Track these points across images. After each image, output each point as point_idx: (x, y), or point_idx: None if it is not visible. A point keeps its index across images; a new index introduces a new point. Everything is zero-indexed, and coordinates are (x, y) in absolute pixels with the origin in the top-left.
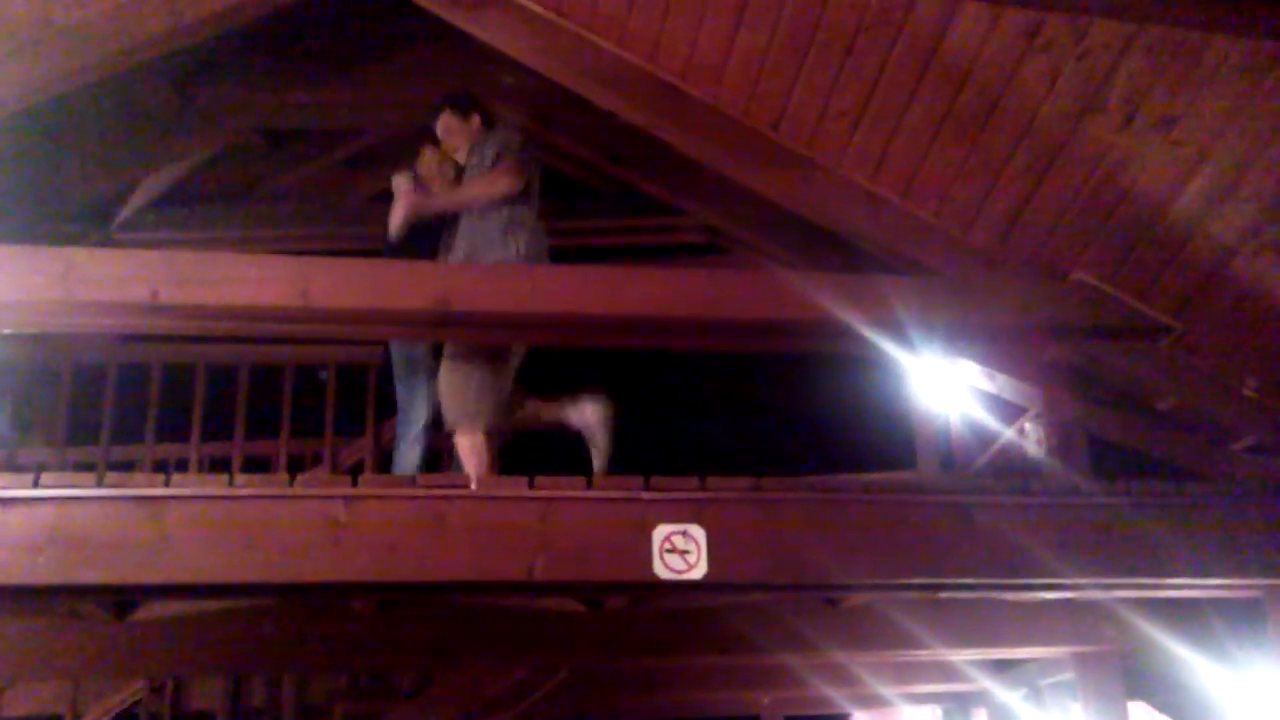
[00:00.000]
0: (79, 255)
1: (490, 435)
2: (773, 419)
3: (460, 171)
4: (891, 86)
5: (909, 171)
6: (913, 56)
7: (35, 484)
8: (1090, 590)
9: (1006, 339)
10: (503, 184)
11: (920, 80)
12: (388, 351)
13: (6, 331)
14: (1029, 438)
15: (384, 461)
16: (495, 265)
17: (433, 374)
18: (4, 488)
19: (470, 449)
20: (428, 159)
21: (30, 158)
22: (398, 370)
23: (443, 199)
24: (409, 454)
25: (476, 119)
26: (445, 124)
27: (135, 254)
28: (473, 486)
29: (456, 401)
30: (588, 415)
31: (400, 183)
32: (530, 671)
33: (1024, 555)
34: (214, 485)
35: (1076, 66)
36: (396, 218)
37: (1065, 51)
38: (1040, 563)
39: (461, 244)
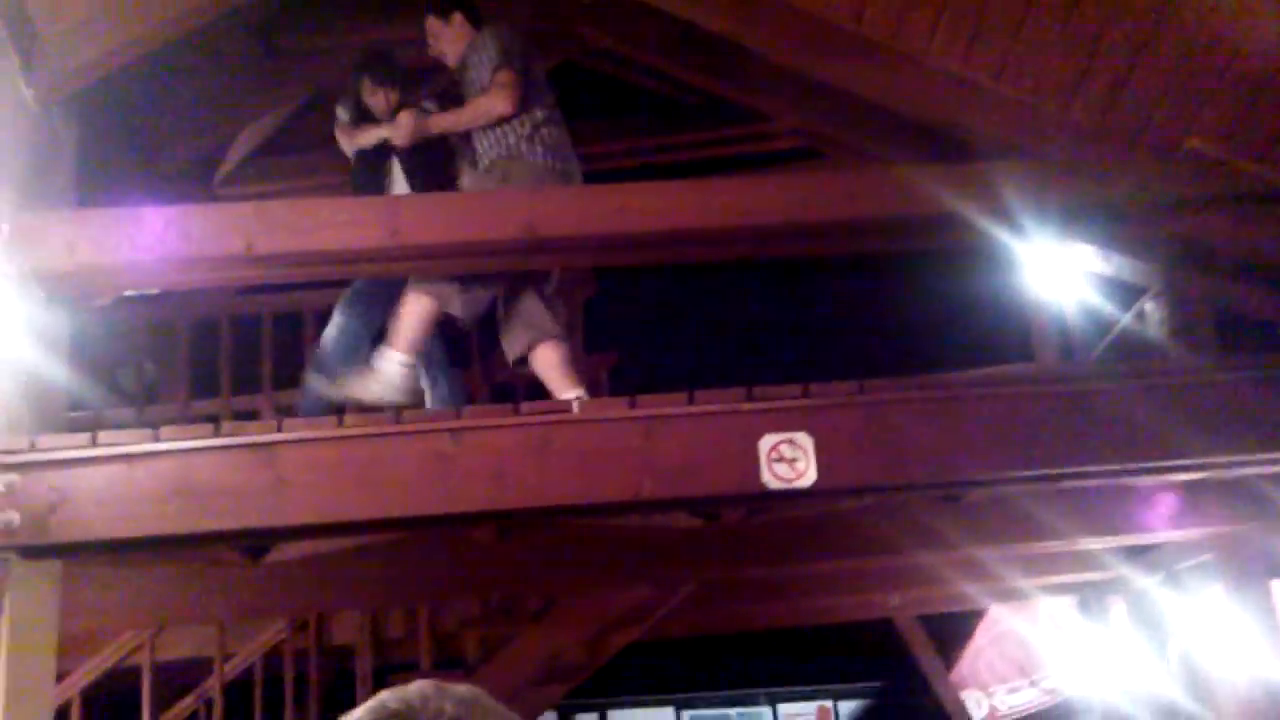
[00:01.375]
0: (176, 213)
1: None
2: (886, 320)
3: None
4: None
5: (1001, 52)
6: None
7: (156, 439)
8: (1223, 469)
9: (1121, 218)
10: (503, 103)
11: None
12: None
13: (128, 293)
14: (1150, 319)
15: (492, 394)
16: (580, 188)
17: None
18: (129, 444)
19: (545, 359)
20: (369, 89)
21: (128, 119)
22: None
23: (444, 121)
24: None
25: (458, 17)
26: (430, 29)
27: (228, 206)
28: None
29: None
30: None
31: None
32: (654, 588)
33: (1146, 438)
34: (324, 427)
35: None
36: (398, 137)
37: None
38: (1164, 445)
39: (486, 156)
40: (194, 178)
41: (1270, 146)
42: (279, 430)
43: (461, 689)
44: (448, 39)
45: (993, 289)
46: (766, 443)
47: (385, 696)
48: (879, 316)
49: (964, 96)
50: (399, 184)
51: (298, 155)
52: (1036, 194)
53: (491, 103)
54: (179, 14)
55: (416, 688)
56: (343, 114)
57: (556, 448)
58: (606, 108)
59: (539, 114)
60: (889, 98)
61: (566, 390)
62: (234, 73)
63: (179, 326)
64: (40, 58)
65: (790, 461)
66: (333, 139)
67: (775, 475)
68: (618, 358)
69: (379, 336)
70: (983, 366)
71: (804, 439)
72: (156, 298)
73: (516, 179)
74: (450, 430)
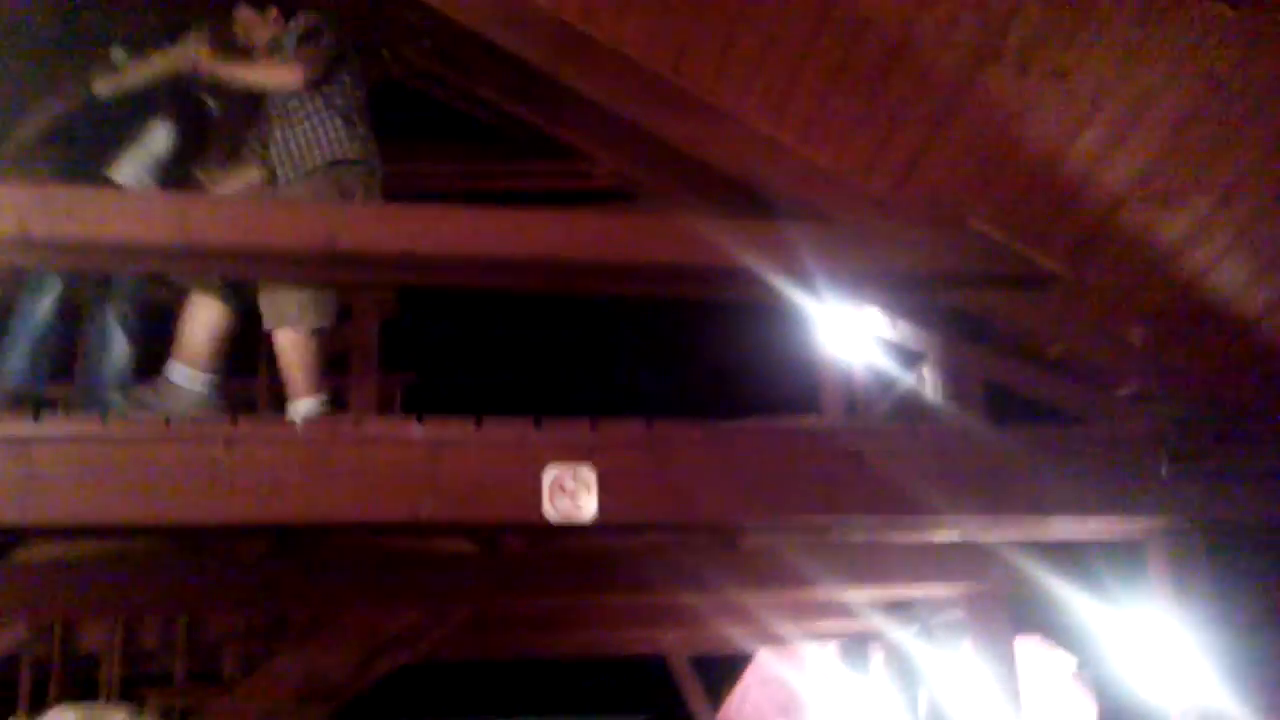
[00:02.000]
0: None
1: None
2: (677, 365)
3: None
4: (792, 32)
5: (808, 118)
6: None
7: None
8: (978, 530)
9: (906, 286)
10: (284, 73)
11: (821, 24)
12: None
13: None
14: (927, 384)
15: (275, 403)
16: (386, 205)
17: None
18: None
19: (291, 347)
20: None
21: None
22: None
23: (225, 69)
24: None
25: (274, 10)
26: (242, 19)
27: (4, 188)
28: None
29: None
30: None
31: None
32: (427, 612)
33: (913, 495)
34: (86, 425)
35: (974, 15)
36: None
37: (961, 2)
38: (929, 502)
39: (276, 132)
40: None
41: (1042, 233)
42: (36, 424)
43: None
44: (261, 31)
45: (785, 343)
46: (550, 474)
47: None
48: (674, 359)
49: (772, 156)
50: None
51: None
52: (828, 256)
53: (283, 71)
54: None
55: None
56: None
57: (336, 463)
58: (424, 129)
59: (338, 101)
60: (700, 149)
61: (299, 393)
62: (32, 49)
63: None
64: None
65: (572, 494)
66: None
67: (557, 507)
68: (416, 378)
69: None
70: (770, 416)
71: (587, 472)
72: None
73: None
74: (225, 439)
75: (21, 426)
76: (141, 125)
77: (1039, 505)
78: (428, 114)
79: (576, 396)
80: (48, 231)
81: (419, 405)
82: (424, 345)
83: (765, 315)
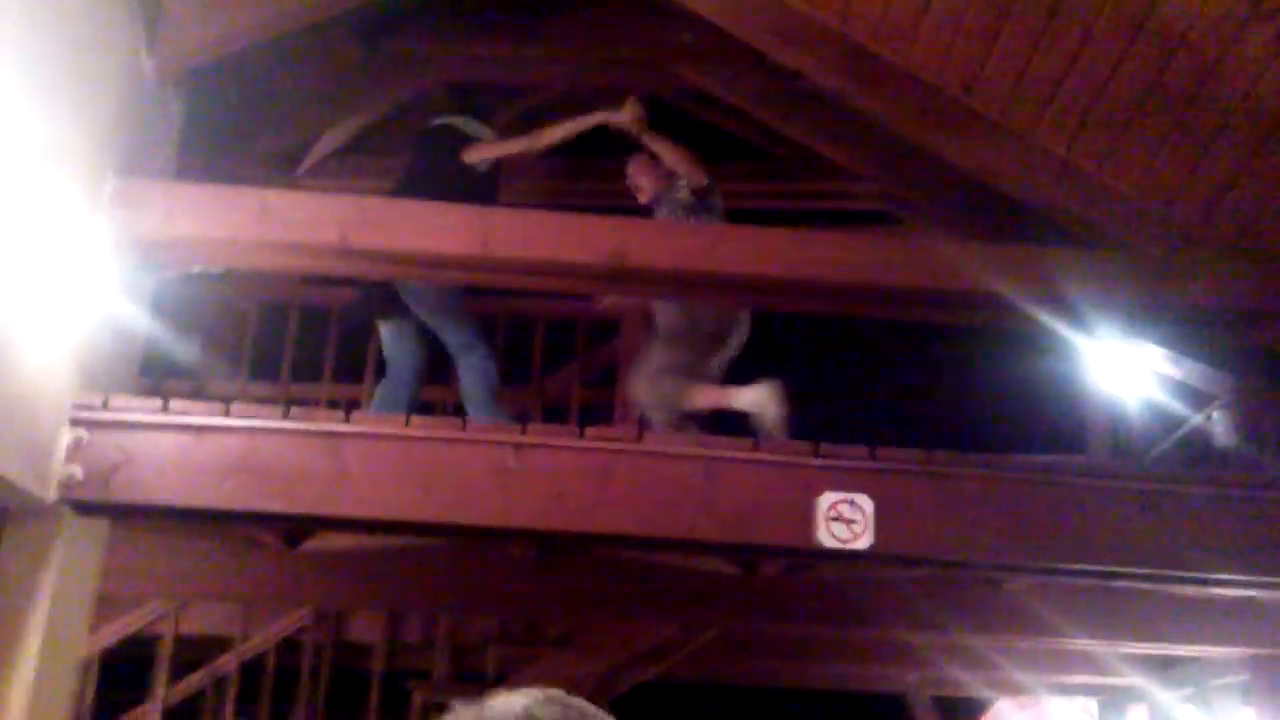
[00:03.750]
0: (274, 196)
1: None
2: (940, 393)
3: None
4: (1097, 51)
5: (1109, 142)
6: (1122, 20)
7: (225, 414)
8: (1272, 590)
9: (1201, 321)
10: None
11: (1130, 45)
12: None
13: (197, 269)
14: (1216, 427)
15: (549, 413)
16: (672, 221)
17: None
18: (196, 415)
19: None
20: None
21: (223, 105)
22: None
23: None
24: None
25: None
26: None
27: (327, 197)
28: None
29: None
30: (757, 398)
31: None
32: (678, 630)
33: (1209, 549)
34: (390, 424)
35: None
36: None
37: None
38: (1226, 558)
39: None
40: (276, 167)
41: None
42: (346, 421)
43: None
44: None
45: (1056, 375)
46: (826, 500)
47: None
48: (939, 389)
49: (1067, 181)
50: None
51: (383, 157)
52: (1105, 288)
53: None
54: (296, 8)
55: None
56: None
57: (616, 475)
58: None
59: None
60: (987, 172)
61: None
62: (336, 71)
63: (248, 309)
64: (163, 32)
65: (849, 522)
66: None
67: (832, 534)
68: None
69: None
70: (1036, 451)
71: (865, 501)
72: (225, 277)
73: None
74: (514, 444)
75: (334, 423)
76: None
77: None
78: (683, 132)
79: (836, 420)
80: (365, 241)
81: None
82: None
83: (1038, 347)
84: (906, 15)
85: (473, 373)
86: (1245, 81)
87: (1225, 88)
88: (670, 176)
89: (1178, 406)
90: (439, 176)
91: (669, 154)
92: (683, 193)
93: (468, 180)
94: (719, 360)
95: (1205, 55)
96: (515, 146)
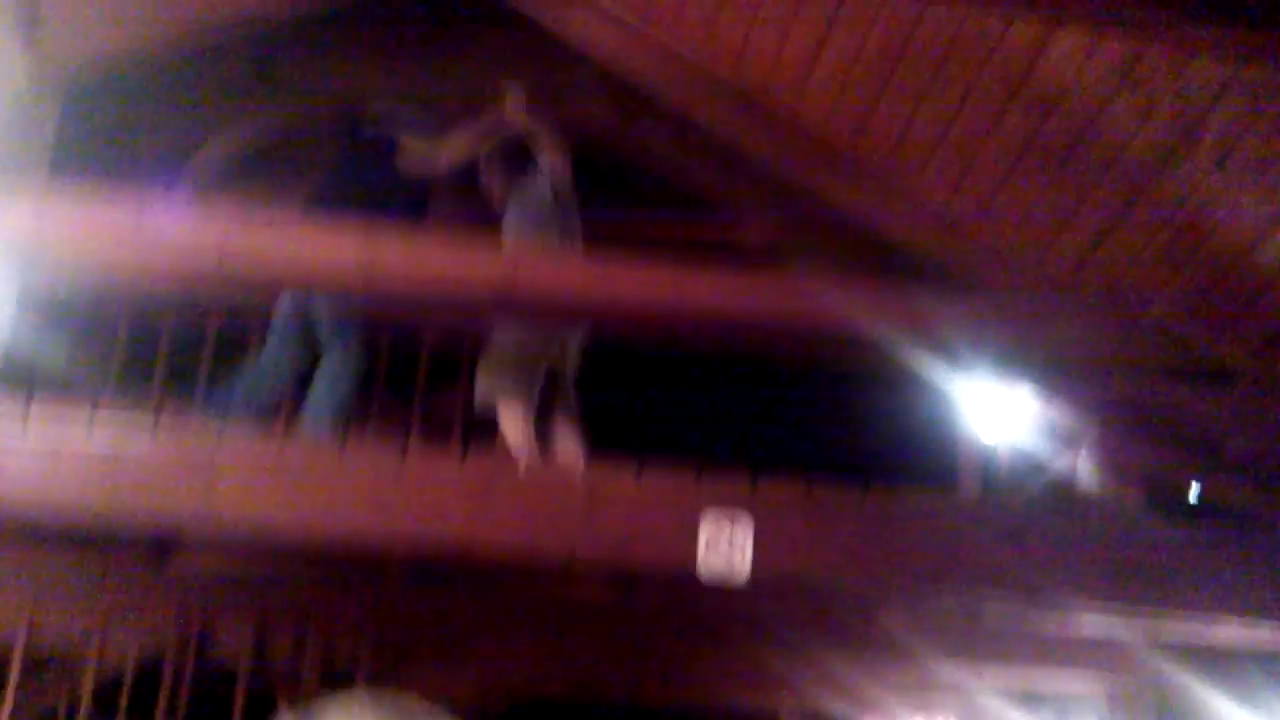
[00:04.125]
0: (151, 212)
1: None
2: (818, 425)
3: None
4: (978, 107)
5: (987, 194)
6: (1003, 80)
7: (90, 422)
8: (1130, 626)
9: (1071, 369)
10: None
11: (1009, 102)
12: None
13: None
14: (1082, 472)
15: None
16: (561, 251)
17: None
18: (59, 423)
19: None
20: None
21: (105, 119)
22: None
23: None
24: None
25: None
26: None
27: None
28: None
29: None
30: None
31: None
32: (554, 656)
33: (1071, 581)
34: (265, 446)
35: (1172, 103)
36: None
37: (1161, 88)
38: (1087, 591)
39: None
40: (163, 169)
41: (1227, 326)
42: (218, 439)
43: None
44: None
45: (930, 413)
46: (706, 526)
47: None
48: (814, 420)
49: (945, 230)
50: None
51: (264, 179)
52: (995, 330)
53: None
54: (179, 28)
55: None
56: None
57: (498, 497)
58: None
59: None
60: (870, 218)
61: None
62: (221, 91)
63: (117, 314)
64: (41, 40)
65: (727, 550)
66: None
67: (711, 561)
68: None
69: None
70: (906, 486)
71: (744, 528)
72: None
73: None
74: (393, 465)
75: (206, 440)
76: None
77: (1206, 606)
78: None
79: (722, 445)
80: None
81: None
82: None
83: (913, 385)
84: (798, 64)
85: (330, 377)
86: (1115, 145)
87: (1096, 149)
88: (523, 174)
89: (1046, 447)
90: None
91: (550, 142)
92: (543, 190)
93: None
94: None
95: (1077, 118)
96: (419, 165)
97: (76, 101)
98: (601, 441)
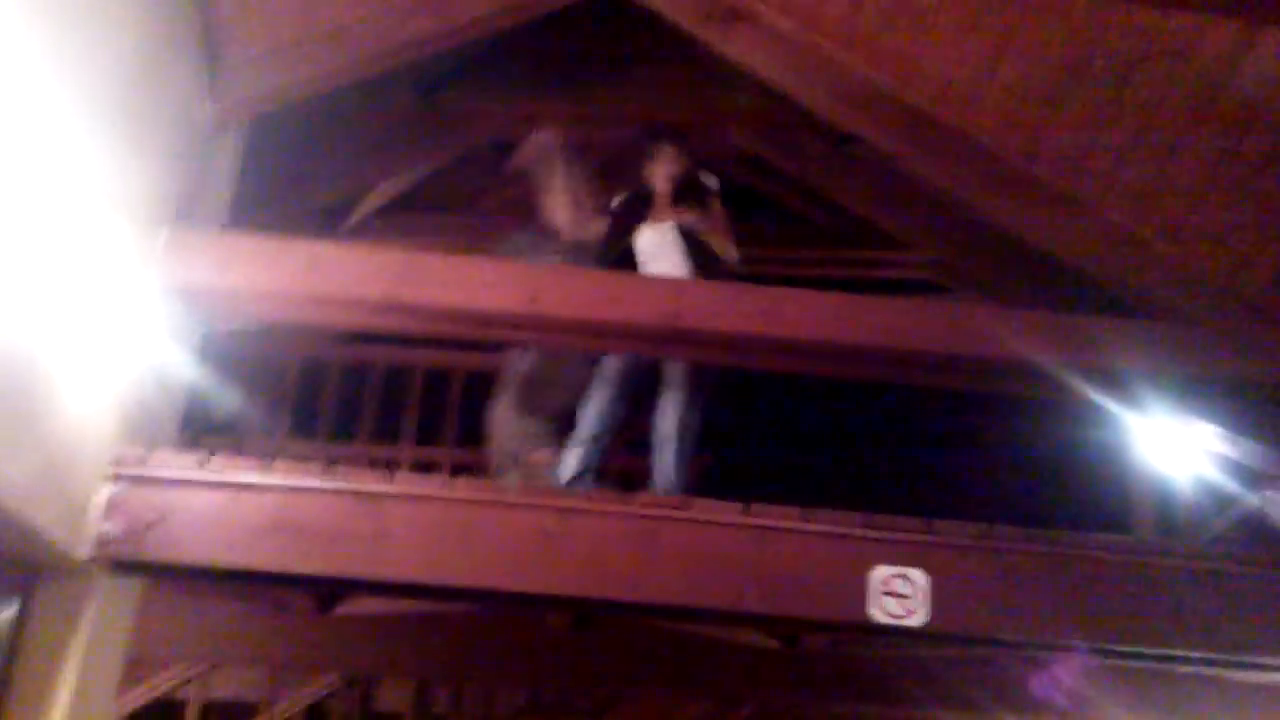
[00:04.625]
0: (324, 249)
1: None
2: (985, 466)
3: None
4: (1168, 122)
5: (1178, 215)
6: (1196, 90)
7: (266, 471)
8: None
9: (1256, 396)
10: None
11: (1202, 116)
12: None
13: (237, 327)
14: (1273, 505)
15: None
16: (730, 284)
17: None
18: (235, 472)
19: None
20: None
21: (278, 156)
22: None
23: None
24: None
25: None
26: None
27: (376, 251)
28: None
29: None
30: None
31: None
32: (714, 705)
33: (1269, 630)
34: (431, 486)
35: None
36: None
37: None
38: None
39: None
40: (326, 220)
41: None
42: (389, 482)
43: None
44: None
45: (1103, 452)
46: (879, 574)
47: None
48: (984, 462)
49: (1131, 253)
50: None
51: (427, 214)
52: (1154, 360)
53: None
54: (355, 61)
55: None
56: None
57: (662, 543)
58: (738, 214)
59: None
60: (1048, 242)
61: None
62: (392, 124)
63: (288, 366)
64: (221, 80)
65: (902, 597)
66: (460, 204)
67: (884, 609)
68: (711, 460)
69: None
70: (1078, 530)
71: (919, 576)
72: (267, 333)
73: None
74: (556, 509)
75: (376, 484)
76: None
77: None
78: (740, 196)
79: (883, 493)
80: (412, 295)
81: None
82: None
83: (1085, 421)
84: (970, 80)
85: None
86: None
87: None
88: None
89: (1231, 485)
90: None
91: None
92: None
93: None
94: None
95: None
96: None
97: (255, 138)
98: (771, 488)
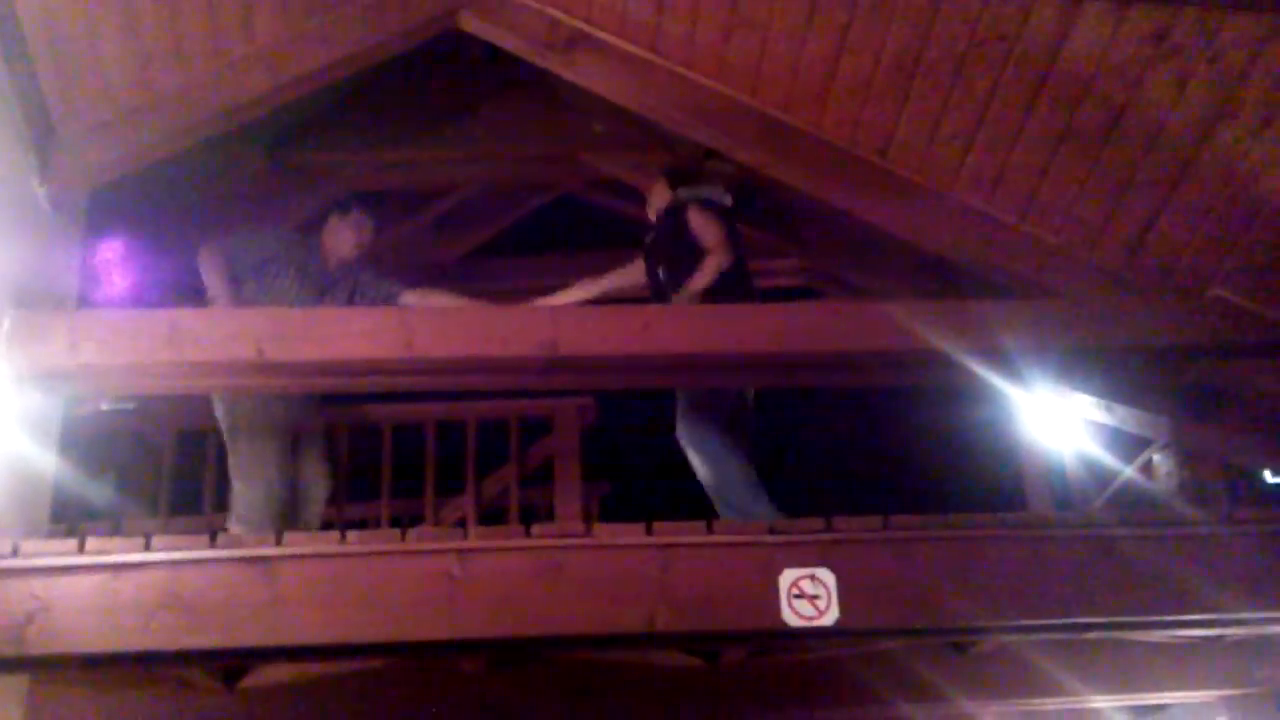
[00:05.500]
0: (184, 316)
1: None
2: (879, 453)
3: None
4: (1006, 103)
5: (1028, 191)
6: (1029, 70)
7: (146, 548)
8: (1243, 628)
9: (1135, 364)
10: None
11: (1037, 94)
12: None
13: (106, 404)
14: (1157, 472)
15: (485, 518)
16: (603, 307)
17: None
18: (115, 553)
19: None
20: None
21: (133, 222)
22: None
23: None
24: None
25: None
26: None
27: (239, 313)
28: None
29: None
30: None
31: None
32: None
33: (1173, 591)
34: (322, 543)
35: (1207, 69)
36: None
37: (1194, 54)
38: (1191, 599)
39: None
40: (190, 286)
41: None
42: (278, 544)
43: None
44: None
45: (991, 431)
46: (787, 578)
47: None
48: (868, 451)
49: (987, 234)
50: None
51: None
52: (1038, 336)
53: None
54: (192, 124)
55: None
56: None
57: (568, 573)
58: (603, 239)
59: None
60: (908, 231)
61: None
62: (240, 184)
63: (162, 438)
64: (56, 159)
65: (812, 598)
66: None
67: (796, 612)
68: (610, 488)
69: None
70: (975, 510)
71: (827, 575)
72: (139, 410)
73: None
74: (457, 551)
75: (263, 547)
76: None
77: None
78: (597, 225)
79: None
80: (281, 353)
81: (613, 517)
82: (613, 455)
83: (972, 404)
84: (815, 83)
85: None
86: (1153, 123)
87: (1134, 130)
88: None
89: (1115, 454)
90: None
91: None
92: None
93: None
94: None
95: (1110, 100)
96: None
97: (99, 210)
98: (670, 503)
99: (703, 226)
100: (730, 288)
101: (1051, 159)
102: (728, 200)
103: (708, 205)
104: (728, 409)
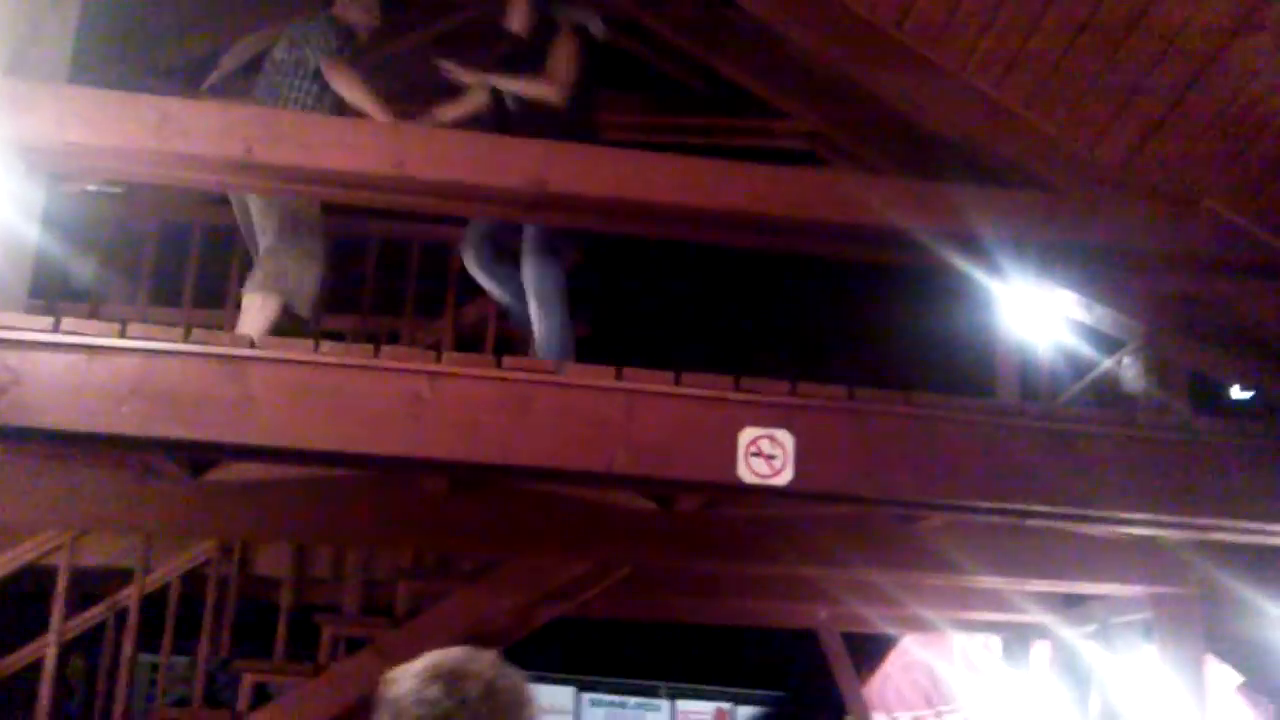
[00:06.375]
0: (175, 105)
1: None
2: (855, 332)
3: None
4: None
5: (1037, 81)
6: None
7: (122, 334)
8: (1182, 531)
9: (1116, 264)
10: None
11: None
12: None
13: (93, 186)
14: (1127, 372)
15: (460, 344)
16: (600, 147)
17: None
18: (91, 335)
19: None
20: None
21: (124, 10)
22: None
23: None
24: None
25: None
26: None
27: (232, 108)
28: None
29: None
30: None
31: None
32: (593, 566)
33: (1119, 489)
34: (296, 349)
35: None
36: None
37: None
38: (1136, 498)
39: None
40: (181, 79)
41: None
42: (251, 346)
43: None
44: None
45: (969, 320)
46: (746, 435)
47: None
48: (854, 328)
49: (993, 120)
50: None
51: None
52: (1040, 228)
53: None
54: None
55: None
56: None
57: (535, 408)
58: (612, 79)
59: None
60: (914, 107)
61: None
62: None
63: (146, 228)
64: None
65: (769, 458)
66: None
67: (752, 470)
68: (588, 332)
69: None
70: (941, 391)
71: (785, 437)
72: (125, 196)
73: None
74: (428, 373)
75: (238, 347)
76: None
77: (1261, 512)
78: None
79: (753, 356)
80: (269, 155)
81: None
82: (597, 300)
83: (951, 290)
84: None
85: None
86: (1172, 28)
87: (1152, 33)
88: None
89: (1088, 351)
90: None
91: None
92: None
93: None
94: None
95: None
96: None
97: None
98: (641, 353)
99: (568, 57)
100: (570, 126)
101: (1067, 51)
102: (601, 29)
103: (579, 32)
104: (569, 261)
